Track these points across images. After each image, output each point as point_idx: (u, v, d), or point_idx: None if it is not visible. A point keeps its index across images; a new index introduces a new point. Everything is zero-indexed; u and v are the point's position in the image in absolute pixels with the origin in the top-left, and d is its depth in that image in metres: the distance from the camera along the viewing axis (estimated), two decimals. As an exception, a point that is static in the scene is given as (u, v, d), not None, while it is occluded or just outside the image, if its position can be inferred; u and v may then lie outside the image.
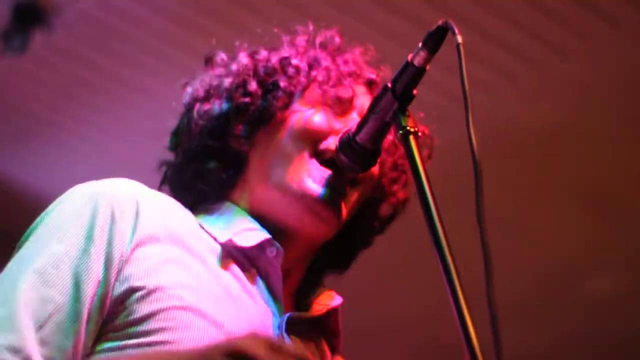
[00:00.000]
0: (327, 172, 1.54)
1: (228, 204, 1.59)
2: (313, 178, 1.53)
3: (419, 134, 1.39)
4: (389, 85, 1.43)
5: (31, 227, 1.44)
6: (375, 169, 1.59)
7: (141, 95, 4.51)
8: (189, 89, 1.67)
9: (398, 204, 1.68)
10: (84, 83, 4.51)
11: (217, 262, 1.47)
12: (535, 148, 4.51)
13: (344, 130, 1.53)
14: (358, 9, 3.81)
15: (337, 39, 1.71)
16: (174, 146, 1.67)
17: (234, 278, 1.47)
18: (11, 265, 1.38)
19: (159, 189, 1.65)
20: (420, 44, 1.39)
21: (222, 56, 1.69)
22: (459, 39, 1.34)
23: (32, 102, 4.66)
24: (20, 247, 1.41)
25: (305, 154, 1.55)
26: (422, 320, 5.44)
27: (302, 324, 1.51)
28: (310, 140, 1.56)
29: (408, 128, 1.38)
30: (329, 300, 1.58)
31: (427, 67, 1.40)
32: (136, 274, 1.35)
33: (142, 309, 1.33)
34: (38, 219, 1.44)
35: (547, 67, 4.14)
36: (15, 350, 1.26)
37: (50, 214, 1.43)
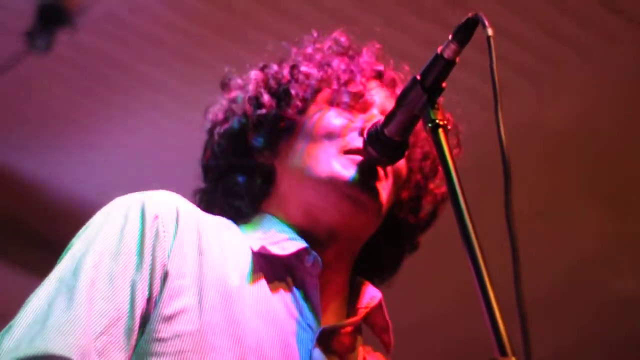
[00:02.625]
0: (357, 159, 1.51)
1: (264, 214, 1.58)
2: (342, 164, 1.51)
3: (449, 127, 1.36)
4: (418, 77, 1.40)
5: (79, 233, 1.42)
6: (402, 166, 1.57)
7: (164, 94, 4.52)
8: (209, 116, 1.68)
9: (437, 198, 1.65)
10: (106, 82, 4.53)
11: (250, 274, 1.45)
12: (555, 146, 4.48)
13: (372, 123, 1.51)
14: (383, 8, 3.82)
15: (344, 40, 1.70)
16: (204, 173, 1.67)
17: (267, 291, 1.45)
18: (65, 275, 1.35)
19: None
20: (450, 37, 1.37)
21: (236, 80, 1.70)
22: (490, 31, 1.30)
23: (56, 100, 4.69)
24: (68, 253, 1.39)
25: (331, 152, 1.53)
26: (442, 319, 5.43)
27: (340, 334, 1.48)
28: (332, 139, 1.54)
29: (437, 121, 1.34)
30: (368, 300, 1.54)
31: (457, 60, 1.38)
32: (166, 295, 1.35)
33: (166, 330, 1.33)
34: (85, 227, 1.43)
35: (570, 67, 4.13)
36: (82, 354, 1.26)
37: (99, 226, 1.40)
